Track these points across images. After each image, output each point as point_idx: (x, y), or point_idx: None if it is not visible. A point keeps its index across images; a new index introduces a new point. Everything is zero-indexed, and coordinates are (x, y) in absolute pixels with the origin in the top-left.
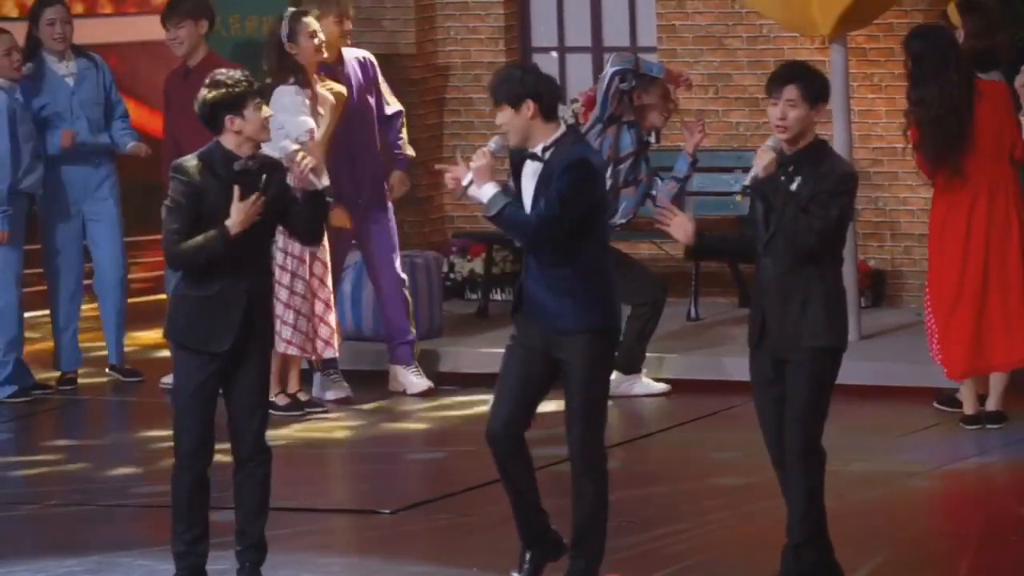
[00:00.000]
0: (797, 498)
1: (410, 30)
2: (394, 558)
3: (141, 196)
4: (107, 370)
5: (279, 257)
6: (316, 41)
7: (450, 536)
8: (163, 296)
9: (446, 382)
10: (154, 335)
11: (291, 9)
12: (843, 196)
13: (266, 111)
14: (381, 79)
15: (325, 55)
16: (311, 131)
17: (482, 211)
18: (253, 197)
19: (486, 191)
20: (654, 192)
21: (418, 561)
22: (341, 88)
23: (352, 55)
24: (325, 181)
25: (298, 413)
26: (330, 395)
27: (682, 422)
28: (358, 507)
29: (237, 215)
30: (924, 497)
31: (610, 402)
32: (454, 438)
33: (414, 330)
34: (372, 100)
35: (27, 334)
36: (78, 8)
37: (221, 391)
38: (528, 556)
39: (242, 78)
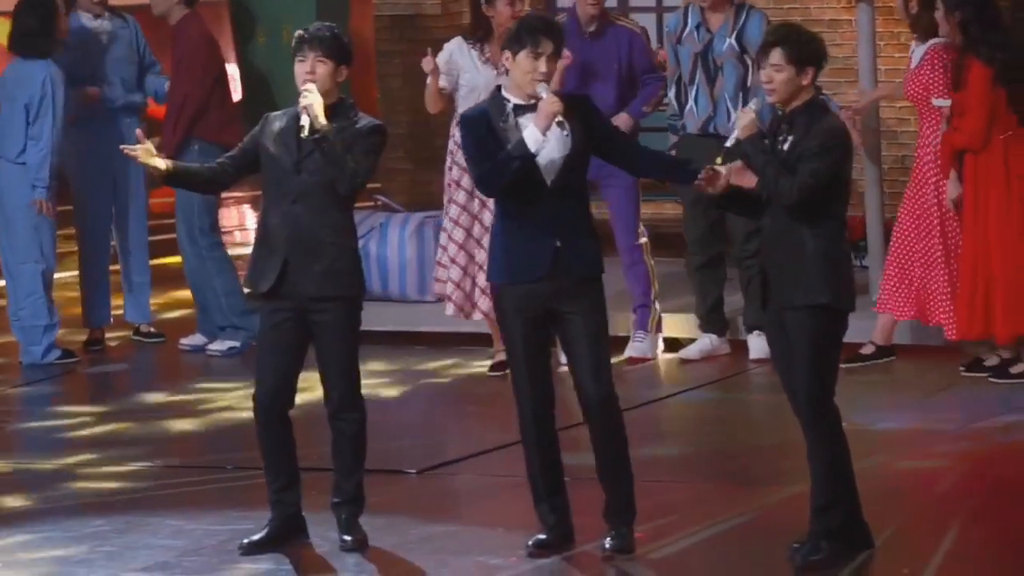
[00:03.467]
0: (815, 460)
1: None
2: (421, 518)
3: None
4: (133, 334)
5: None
6: (515, 8)
7: (476, 496)
8: (179, 259)
9: (464, 343)
10: (172, 296)
11: None
12: (830, 152)
13: (306, 67)
14: (643, 51)
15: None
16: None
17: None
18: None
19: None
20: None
21: (445, 521)
22: None
23: (618, 20)
24: (314, 122)
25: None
26: None
27: (718, 379)
28: (384, 467)
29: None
30: (952, 456)
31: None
32: (478, 398)
33: (653, 297)
34: (616, 67)
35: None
36: None
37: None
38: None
39: (304, 30)
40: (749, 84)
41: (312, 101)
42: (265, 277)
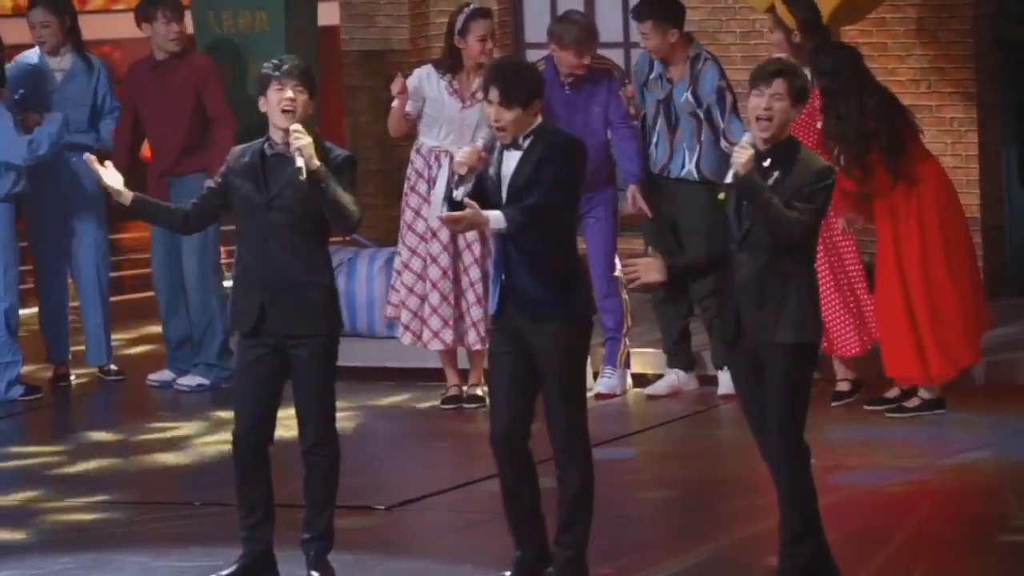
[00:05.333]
0: (784, 496)
1: (403, 26)
2: (389, 555)
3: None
4: (98, 371)
5: (411, 240)
6: (485, 44)
7: (445, 532)
8: (151, 293)
9: (433, 379)
10: (142, 332)
11: (474, 5)
12: (825, 191)
13: (287, 94)
14: (616, 94)
15: (486, 60)
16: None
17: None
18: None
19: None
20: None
21: (413, 558)
22: None
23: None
24: (308, 163)
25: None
26: None
27: (686, 415)
28: (353, 503)
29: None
30: (920, 492)
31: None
32: (448, 433)
33: (624, 332)
34: (599, 111)
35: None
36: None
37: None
38: (519, 555)
39: (278, 60)
40: (702, 138)
41: (304, 142)
42: (244, 317)
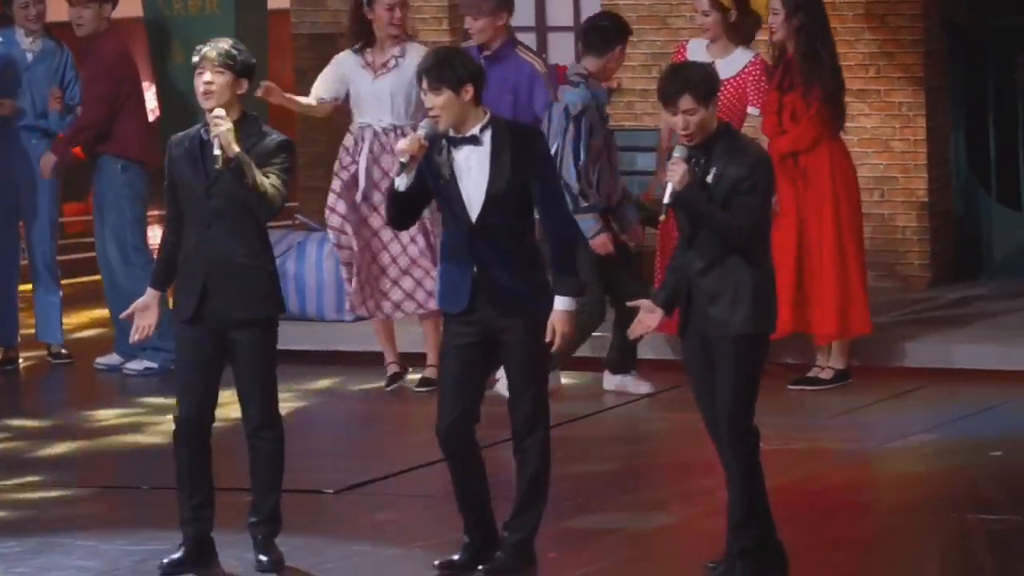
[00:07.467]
0: (733, 479)
1: None
2: (338, 538)
3: (79, 174)
4: (47, 355)
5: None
6: (394, 13)
7: (394, 516)
8: (98, 277)
9: (382, 362)
10: (88, 315)
11: None
12: (763, 184)
13: (204, 76)
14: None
15: (397, 31)
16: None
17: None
18: None
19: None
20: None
21: (361, 541)
22: None
23: (523, 52)
24: (226, 150)
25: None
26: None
27: (632, 400)
28: (301, 487)
29: None
30: (868, 475)
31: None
32: (396, 417)
33: None
34: (510, 99)
35: None
36: None
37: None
38: (468, 541)
39: (201, 44)
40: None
41: (223, 129)
42: (187, 302)
